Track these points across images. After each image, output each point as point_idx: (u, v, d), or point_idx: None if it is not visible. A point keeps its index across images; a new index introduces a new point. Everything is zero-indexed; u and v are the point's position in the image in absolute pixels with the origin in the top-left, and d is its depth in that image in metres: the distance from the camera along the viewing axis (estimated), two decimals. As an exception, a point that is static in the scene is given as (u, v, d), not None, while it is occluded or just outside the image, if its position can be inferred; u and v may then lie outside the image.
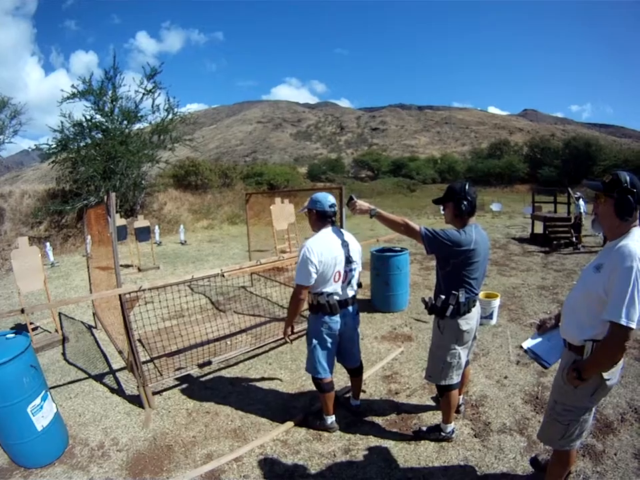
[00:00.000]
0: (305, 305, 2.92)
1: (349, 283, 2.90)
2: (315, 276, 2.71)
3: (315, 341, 2.94)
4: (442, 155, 51.62)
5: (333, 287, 2.81)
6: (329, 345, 2.94)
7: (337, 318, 2.87)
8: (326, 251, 2.72)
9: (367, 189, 32.84)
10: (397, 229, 2.55)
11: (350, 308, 2.95)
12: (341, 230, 2.94)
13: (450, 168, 41.11)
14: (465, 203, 2.50)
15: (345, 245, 2.84)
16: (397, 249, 5.93)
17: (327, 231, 2.83)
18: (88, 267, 5.84)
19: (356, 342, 3.15)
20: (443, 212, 2.73)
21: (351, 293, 2.94)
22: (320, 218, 2.83)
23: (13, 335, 2.98)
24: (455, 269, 2.52)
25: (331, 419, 3.13)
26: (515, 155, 41.50)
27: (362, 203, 2.63)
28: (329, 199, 2.83)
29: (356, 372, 3.28)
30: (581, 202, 10.44)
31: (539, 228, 11.05)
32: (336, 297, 2.83)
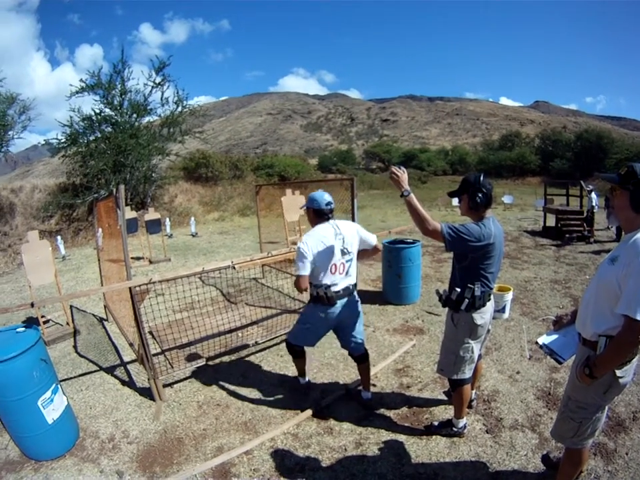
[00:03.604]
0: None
1: (347, 273, 3.05)
2: (310, 266, 2.89)
3: (307, 324, 3.20)
4: (453, 146, 51.42)
5: (331, 279, 2.97)
6: (320, 330, 3.19)
7: (334, 309, 3.02)
8: (320, 245, 2.89)
9: (378, 180, 32.72)
10: (419, 223, 2.43)
11: (350, 297, 3.09)
12: (337, 223, 3.04)
13: (461, 159, 40.92)
14: (480, 195, 2.44)
15: (340, 237, 2.97)
16: (408, 240, 5.87)
17: (323, 226, 2.98)
18: (99, 260, 5.86)
19: (357, 329, 3.22)
20: (458, 204, 2.68)
21: (349, 282, 3.08)
22: (317, 215, 3.02)
23: (23, 328, 2.99)
24: (472, 263, 2.49)
25: (303, 380, 3.64)
26: (526, 146, 41.12)
27: (404, 178, 2.49)
28: (325, 197, 3.01)
29: (361, 359, 3.32)
30: (593, 195, 10.29)
31: (551, 221, 10.90)
32: (334, 289, 2.98)
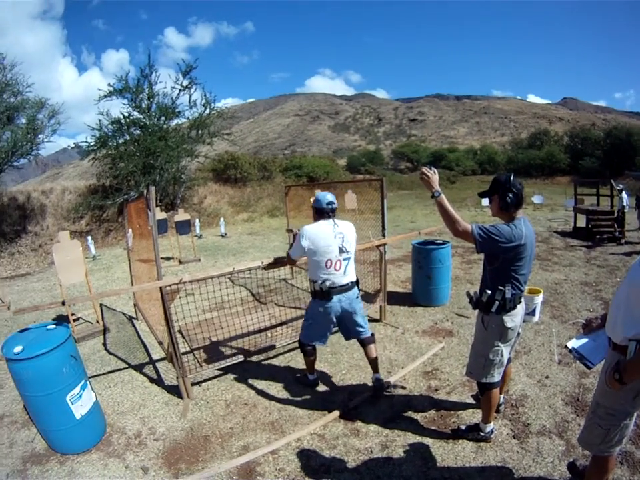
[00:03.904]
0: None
1: (344, 271, 3.23)
2: (301, 251, 3.23)
3: (310, 320, 3.42)
4: (481, 145, 50.74)
5: (327, 275, 3.17)
6: (322, 325, 3.37)
7: (331, 303, 3.22)
8: (317, 238, 3.14)
9: (407, 180, 32.51)
10: (449, 224, 2.42)
11: (348, 293, 3.27)
12: (338, 222, 3.25)
13: (490, 159, 40.37)
14: (511, 195, 2.40)
15: (340, 236, 3.19)
16: (438, 241, 5.81)
17: (323, 223, 3.21)
18: (129, 260, 5.97)
19: (359, 321, 3.42)
20: (488, 205, 2.64)
21: (346, 280, 3.26)
22: (318, 213, 3.27)
23: (54, 326, 3.06)
24: (503, 265, 2.45)
25: (312, 376, 3.74)
26: (555, 145, 40.18)
27: (435, 179, 2.51)
28: (327, 197, 3.23)
29: (367, 340, 3.50)
30: (624, 194, 10.01)
31: (582, 221, 10.64)
32: (328, 284, 3.18)
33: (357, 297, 3.39)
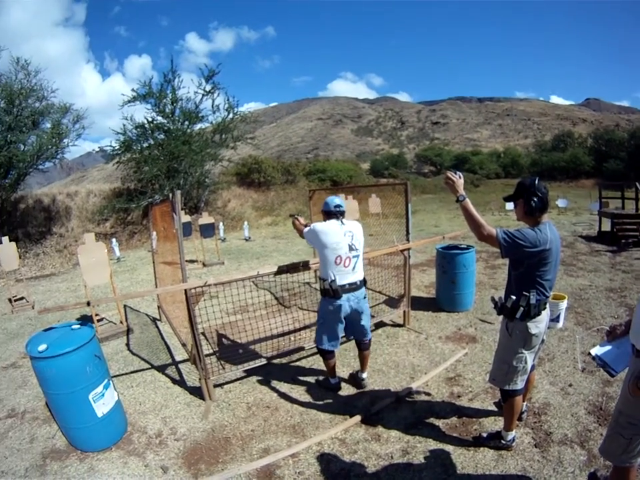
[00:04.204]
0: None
1: (353, 268, 3.35)
2: (311, 236, 3.35)
3: (321, 319, 3.49)
4: (505, 148, 50.08)
5: (336, 272, 3.27)
6: (332, 324, 3.44)
7: (339, 301, 3.31)
8: (325, 234, 3.25)
9: (430, 184, 32.25)
10: (474, 228, 2.42)
11: (356, 293, 3.39)
12: (345, 222, 3.38)
13: (513, 162, 39.76)
14: (535, 199, 2.38)
15: (348, 234, 3.31)
16: (462, 246, 5.75)
17: (331, 222, 3.34)
18: (153, 262, 6.05)
19: (363, 322, 3.55)
20: (513, 209, 2.62)
21: (356, 278, 3.39)
22: (326, 215, 3.41)
23: (79, 325, 3.13)
24: (528, 270, 2.43)
25: (334, 380, 3.77)
26: (579, 147, 39.39)
27: (459, 183, 2.51)
28: (334, 201, 3.39)
29: (364, 346, 3.67)
30: None
31: (607, 225, 10.41)
32: (339, 282, 3.28)
33: (365, 297, 3.51)
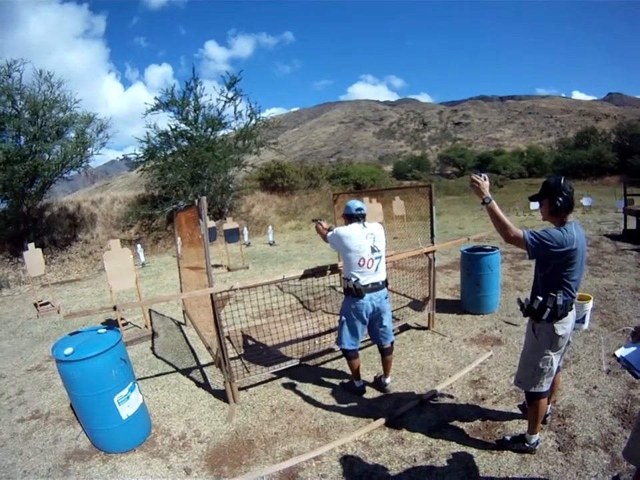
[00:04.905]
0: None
1: (376, 269, 3.40)
2: (334, 240, 3.42)
3: (343, 318, 3.52)
4: (528, 147, 49.35)
5: (359, 273, 3.33)
6: (355, 323, 3.47)
7: (363, 300, 3.36)
8: (348, 238, 3.31)
9: (454, 185, 31.95)
10: (501, 230, 2.40)
11: (379, 292, 3.43)
12: (367, 224, 3.44)
13: (537, 161, 39.15)
14: (561, 199, 2.36)
15: (370, 236, 3.36)
16: (487, 247, 5.67)
17: (354, 226, 3.39)
18: (178, 267, 6.14)
19: (385, 323, 3.56)
20: (538, 209, 2.60)
21: (379, 279, 3.43)
22: (348, 218, 3.46)
23: (105, 330, 3.20)
24: (554, 270, 2.41)
25: (358, 383, 3.77)
26: (602, 143, 38.49)
27: (485, 185, 2.49)
28: (356, 204, 3.45)
29: (387, 351, 3.67)
30: None
31: (632, 223, 10.16)
32: (362, 282, 3.33)
33: (386, 297, 3.54)
